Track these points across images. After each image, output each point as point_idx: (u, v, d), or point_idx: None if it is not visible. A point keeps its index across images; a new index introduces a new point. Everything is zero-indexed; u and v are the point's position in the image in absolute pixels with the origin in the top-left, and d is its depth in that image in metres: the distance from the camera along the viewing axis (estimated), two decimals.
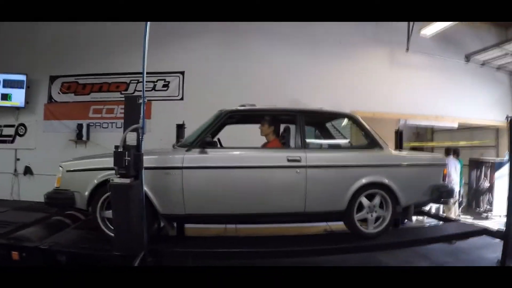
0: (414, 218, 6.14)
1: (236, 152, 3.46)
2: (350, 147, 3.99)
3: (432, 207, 7.60)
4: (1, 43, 6.67)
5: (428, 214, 5.37)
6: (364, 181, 3.37)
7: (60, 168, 3.32)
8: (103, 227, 3.18)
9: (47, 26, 6.32)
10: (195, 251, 3.23)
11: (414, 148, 9.66)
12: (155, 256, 3.01)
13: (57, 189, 3.29)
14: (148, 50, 6.49)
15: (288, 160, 3.29)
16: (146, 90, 6.26)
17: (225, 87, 6.35)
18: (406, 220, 4.22)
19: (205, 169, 3.21)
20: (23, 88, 6.45)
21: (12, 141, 6.71)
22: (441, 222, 4.75)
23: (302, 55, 6.74)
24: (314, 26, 6.50)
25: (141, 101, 2.86)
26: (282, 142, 3.78)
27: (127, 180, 2.73)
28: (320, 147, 3.83)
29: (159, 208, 3.15)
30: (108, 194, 3.08)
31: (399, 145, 6.21)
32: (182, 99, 6.58)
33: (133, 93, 6.48)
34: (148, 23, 2.81)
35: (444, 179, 3.76)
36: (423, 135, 9.90)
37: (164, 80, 6.63)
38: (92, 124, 6.64)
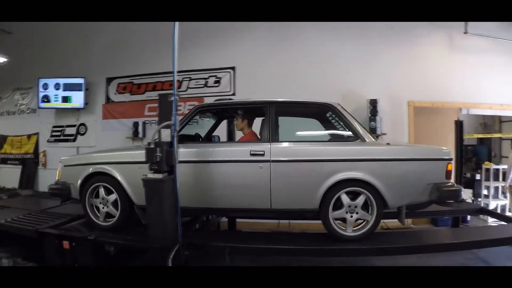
0: (486, 218, 5.64)
1: (202, 148, 3.37)
2: (327, 140, 3.65)
3: (498, 205, 6.92)
4: (61, 51, 7.28)
5: (490, 213, 4.84)
6: (338, 177, 3.07)
7: (60, 163, 3.73)
8: (90, 214, 3.54)
9: (100, 32, 6.80)
10: (231, 245, 3.21)
11: (481, 140, 8.83)
12: (191, 249, 3.09)
13: (58, 181, 3.70)
14: (198, 48, 6.51)
15: (251, 154, 3.15)
16: (198, 87, 6.59)
17: (276, 80, 6.24)
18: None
19: None
20: (81, 90, 6.97)
21: (74, 140, 7.30)
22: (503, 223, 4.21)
23: (353, 44, 6.36)
24: None
25: (172, 98, 2.92)
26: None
27: (159, 175, 2.82)
28: (292, 140, 3.40)
29: (134, 199, 3.32)
30: (95, 185, 3.42)
31: (458, 136, 5.75)
32: (234, 94, 6.54)
33: (186, 90, 6.62)
34: (177, 23, 2.86)
35: (448, 176, 3.20)
36: (490, 126, 8.96)
37: (216, 76, 6.64)
38: (147, 121, 6.90)
